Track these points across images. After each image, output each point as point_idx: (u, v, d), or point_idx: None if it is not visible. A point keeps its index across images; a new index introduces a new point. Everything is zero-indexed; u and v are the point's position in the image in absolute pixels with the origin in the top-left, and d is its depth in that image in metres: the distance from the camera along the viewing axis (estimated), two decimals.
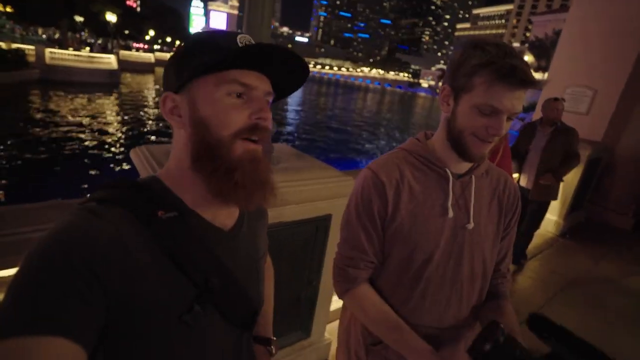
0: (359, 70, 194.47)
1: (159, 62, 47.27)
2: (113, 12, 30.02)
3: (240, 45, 0.58)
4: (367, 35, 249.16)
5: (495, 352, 0.58)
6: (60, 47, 24.74)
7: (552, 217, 4.45)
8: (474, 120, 0.80)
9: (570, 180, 4.30)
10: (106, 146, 12.37)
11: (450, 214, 0.89)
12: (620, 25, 4.46)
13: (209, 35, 0.60)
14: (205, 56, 0.57)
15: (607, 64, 4.58)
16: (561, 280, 3.41)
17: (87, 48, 28.78)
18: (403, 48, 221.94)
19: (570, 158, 3.26)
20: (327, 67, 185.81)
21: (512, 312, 0.95)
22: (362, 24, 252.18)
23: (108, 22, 30.25)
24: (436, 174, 0.92)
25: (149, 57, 42.38)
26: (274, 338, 0.90)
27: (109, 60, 25.80)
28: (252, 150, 0.60)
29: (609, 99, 4.60)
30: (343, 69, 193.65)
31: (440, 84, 0.90)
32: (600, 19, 4.64)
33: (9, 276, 1.00)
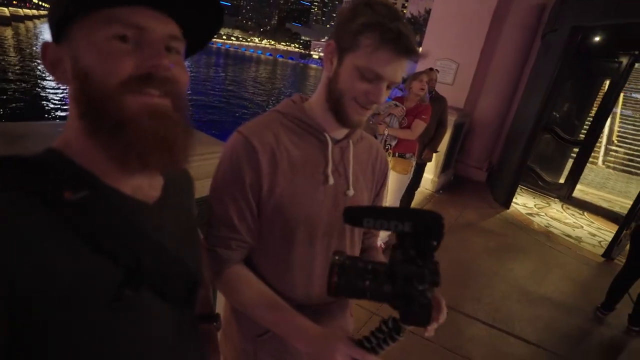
0: (249, 40, 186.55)
1: (15, 17, 37.51)
2: None
3: None
4: (261, 6, 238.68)
5: (344, 278, 0.57)
6: None
7: (429, 176, 5.10)
8: (355, 84, 0.76)
9: (442, 143, 4.97)
10: None
11: (331, 181, 0.84)
12: (473, 5, 5.18)
13: None
14: None
15: (466, 39, 5.32)
16: None
17: None
18: (296, 25, 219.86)
19: (440, 128, 3.78)
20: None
21: (383, 258, 0.92)
22: None
23: None
24: (315, 139, 0.84)
25: (2, 10, 33.22)
26: (218, 312, 0.82)
27: None
28: (152, 104, 0.49)
29: (468, 71, 5.39)
30: (233, 37, 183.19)
31: None
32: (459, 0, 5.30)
33: None
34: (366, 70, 0.74)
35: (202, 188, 1.41)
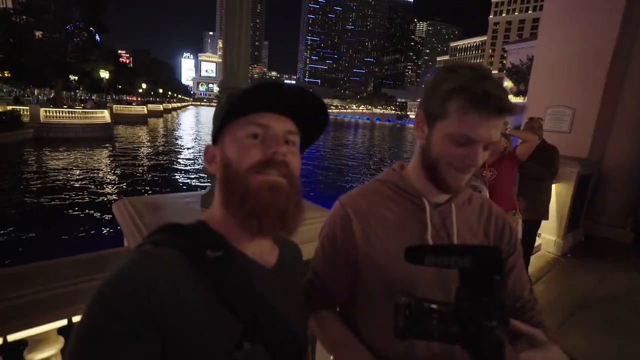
0: (347, 107, 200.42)
1: (151, 113, 48.60)
2: (106, 69, 31.04)
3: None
4: (357, 78, 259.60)
5: (412, 319, 0.55)
6: (55, 106, 25.26)
7: (551, 237, 4.41)
8: (448, 150, 0.76)
9: (564, 198, 4.32)
10: (99, 199, 12.27)
11: None
12: (583, 47, 4.70)
13: (246, 88, 0.64)
14: (232, 106, 0.63)
15: (580, 83, 4.77)
16: (570, 303, 3.30)
17: (82, 105, 29.37)
18: (388, 83, 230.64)
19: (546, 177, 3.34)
20: None
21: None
22: (346, 64, 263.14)
23: (101, 79, 31.18)
24: (412, 204, 0.86)
25: (142, 109, 43.28)
26: None
27: (103, 115, 26.31)
28: (270, 181, 0.63)
29: (588, 115, 4.74)
30: (332, 106, 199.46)
31: None
32: (564, 43, 4.90)
33: (45, 332, 1.06)
34: (458, 136, 0.74)
35: (305, 251, 1.50)
